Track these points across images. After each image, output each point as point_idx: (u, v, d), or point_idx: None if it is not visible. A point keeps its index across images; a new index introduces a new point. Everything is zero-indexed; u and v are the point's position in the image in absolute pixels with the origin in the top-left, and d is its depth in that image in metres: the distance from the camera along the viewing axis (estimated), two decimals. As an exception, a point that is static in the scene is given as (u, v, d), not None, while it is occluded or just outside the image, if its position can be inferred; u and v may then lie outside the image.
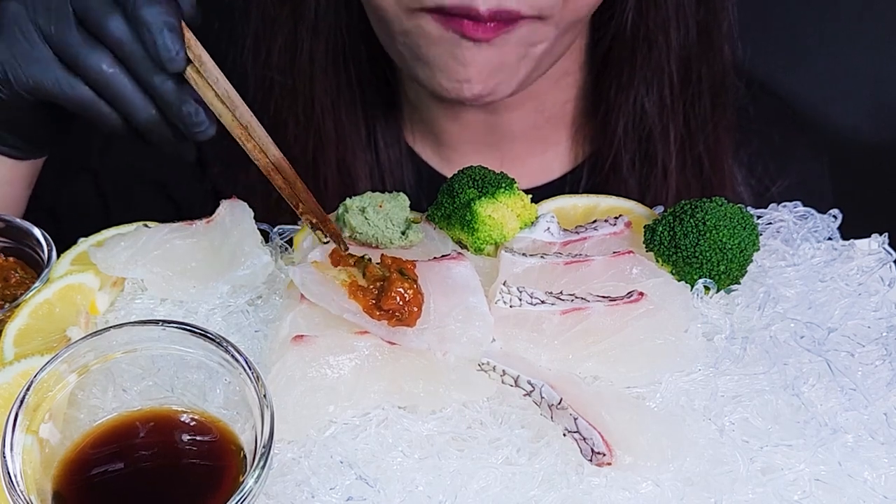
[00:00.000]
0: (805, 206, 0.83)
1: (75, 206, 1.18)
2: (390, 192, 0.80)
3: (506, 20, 0.87)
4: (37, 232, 0.79)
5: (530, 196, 0.81)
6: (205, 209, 0.81)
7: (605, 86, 1.07)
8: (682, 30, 1.02)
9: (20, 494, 0.53)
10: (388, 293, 0.66)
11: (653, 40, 1.02)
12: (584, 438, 0.60)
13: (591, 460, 0.60)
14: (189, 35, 0.76)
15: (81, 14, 0.76)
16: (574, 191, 1.11)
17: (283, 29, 1.05)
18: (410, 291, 0.67)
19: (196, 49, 0.76)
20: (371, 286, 0.68)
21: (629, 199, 0.86)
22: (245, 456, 0.58)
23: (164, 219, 1.16)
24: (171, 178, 1.17)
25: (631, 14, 1.01)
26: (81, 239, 0.81)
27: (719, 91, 1.07)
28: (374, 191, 0.79)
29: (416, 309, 0.67)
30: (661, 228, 0.75)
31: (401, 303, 0.66)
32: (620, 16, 1.02)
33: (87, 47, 0.76)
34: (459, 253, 0.74)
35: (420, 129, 1.13)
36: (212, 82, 0.76)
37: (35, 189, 0.97)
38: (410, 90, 1.10)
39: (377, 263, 0.69)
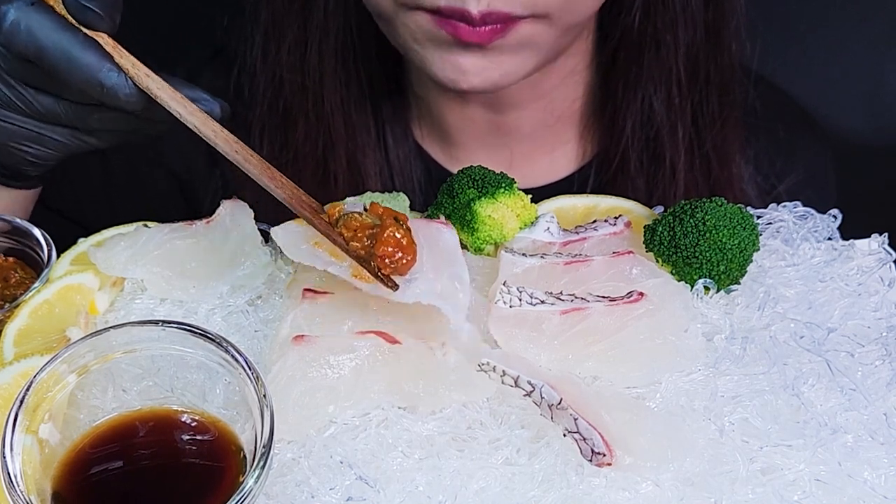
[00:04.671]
0: (811, 200, 0.83)
1: (83, 192, 1.18)
2: (400, 190, 0.79)
3: (500, 23, 0.86)
4: (37, 232, 0.79)
5: (531, 196, 0.81)
6: (216, 202, 0.81)
7: (613, 84, 1.07)
8: (690, 29, 1.02)
9: (20, 494, 0.53)
10: (381, 238, 0.64)
11: (661, 39, 1.02)
12: (584, 439, 0.60)
13: (590, 460, 0.60)
14: (127, 64, 0.70)
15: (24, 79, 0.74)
16: (582, 189, 1.11)
17: (292, 27, 1.05)
18: (405, 239, 0.64)
19: (142, 80, 0.70)
20: (362, 235, 0.65)
21: (634, 198, 0.86)
22: (245, 456, 0.58)
23: (172, 209, 1.16)
24: (182, 166, 1.17)
25: (638, 13, 1.01)
26: (81, 239, 0.81)
27: (727, 89, 1.07)
28: (383, 189, 0.79)
29: (410, 257, 0.64)
30: (661, 228, 0.75)
31: (395, 250, 0.64)
32: (627, 14, 1.02)
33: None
34: (446, 221, 0.73)
35: (429, 127, 1.13)
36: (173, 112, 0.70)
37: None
38: (419, 88, 1.10)
39: (364, 213, 0.66)
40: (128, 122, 0.77)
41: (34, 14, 0.70)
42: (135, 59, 0.71)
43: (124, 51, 0.71)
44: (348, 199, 0.74)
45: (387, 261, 0.64)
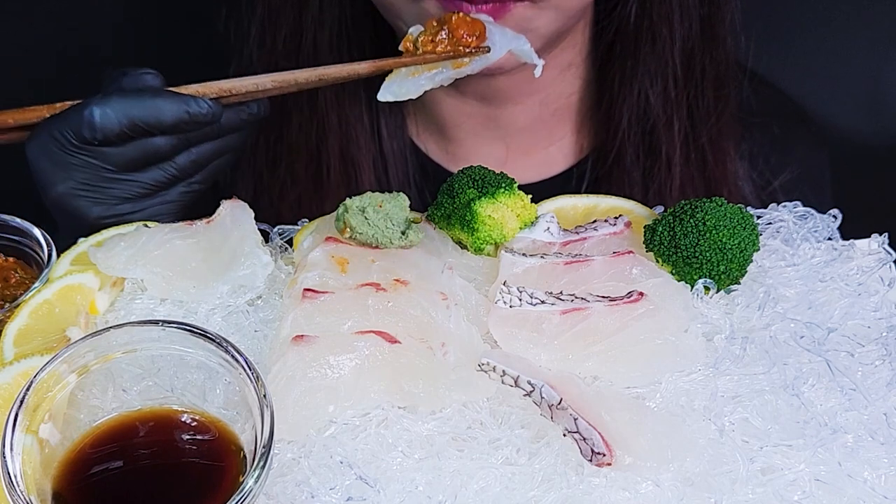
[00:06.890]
0: (806, 196, 0.82)
1: None
2: (393, 183, 0.80)
3: (498, 4, 0.88)
4: (37, 232, 0.79)
5: (531, 196, 0.81)
6: (208, 201, 0.82)
7: (609, 78, 1.07)
8: (686, 23, 1.03)
9: (20, 494, 0.53)
10: (452, 27, 0.85)
11: (657, 33, 1.02)
12: (584, 438, 0.60)
13: (590, 460, 0.60)
14: (191, 90, 0.86)
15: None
16: (579, 183, 1.12)
17: (287, 18, 1.06)
18: (467, 17, 0.86)
19: (206, 91, 0.87)
20: (439, 40, 0.83)
21: (630, 192, 0.86)
22: (245, 456, 0.58)
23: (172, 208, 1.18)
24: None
25: (634, 6, 1.02)
26: (81, 239, 0.81)
27: (722, 83, 1.07)
28: (377, 181, 0.80)
29: (481, 27, 0.85)
30: (661, 228, 0.75)
31: (465, 29, 0.83)
32: (623, 8, 1.02)
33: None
34: None
35: (424, 121, 1.13)
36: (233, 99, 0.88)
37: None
38: None
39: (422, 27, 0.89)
40: (212, 145, 0.89)
41: (108, 99, 0.83)
42: (189, 86, 0.87)
43: (181, 87, 0.86)
44: (413, 27, 0.90)
45: (466, 37, 0.82)
